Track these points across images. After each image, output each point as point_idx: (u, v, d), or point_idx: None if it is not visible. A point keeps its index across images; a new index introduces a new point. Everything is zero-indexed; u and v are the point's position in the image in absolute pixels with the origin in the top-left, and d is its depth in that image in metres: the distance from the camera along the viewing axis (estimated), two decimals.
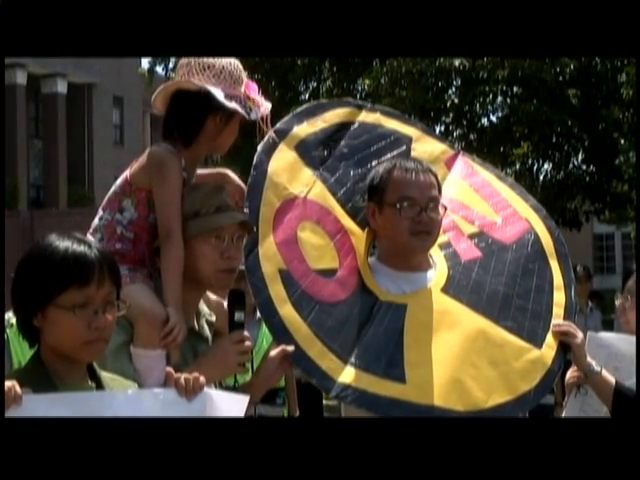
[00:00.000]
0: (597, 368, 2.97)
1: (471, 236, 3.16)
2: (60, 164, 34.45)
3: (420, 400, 2.69)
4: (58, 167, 34.40)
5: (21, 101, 33.22)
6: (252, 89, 2.83)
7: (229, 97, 2.75)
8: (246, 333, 2.68)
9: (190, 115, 2.76)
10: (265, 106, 2.84)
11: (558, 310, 3.05)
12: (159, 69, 19.56)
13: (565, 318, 3.04)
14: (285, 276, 2.78)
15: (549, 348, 2.94)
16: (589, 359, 2.98)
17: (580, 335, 2.97)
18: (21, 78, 32.87)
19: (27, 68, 32.75)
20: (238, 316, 2.70)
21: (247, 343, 2.66)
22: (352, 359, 2.72)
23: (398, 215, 2.90)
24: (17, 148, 32.45)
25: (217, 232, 2.68)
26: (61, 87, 34.57)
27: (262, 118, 2.85)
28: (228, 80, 2.77)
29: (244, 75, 2.83)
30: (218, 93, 2.73)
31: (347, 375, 2.68)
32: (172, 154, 2.73)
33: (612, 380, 2.98)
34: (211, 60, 2.77)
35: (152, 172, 2.70)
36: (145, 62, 22.15)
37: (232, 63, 2.80)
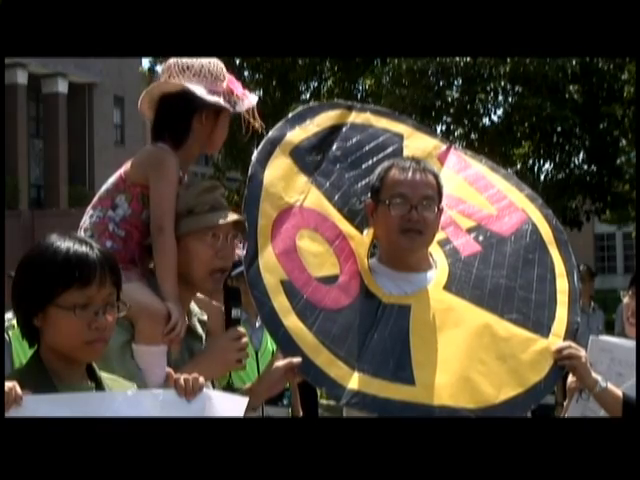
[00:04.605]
0: (603, 384, 2.89)
1: (469, 230, 3.15)
2: (61, 164, 34.44)
3: (430, 401, 2.68)
4: (59, 167, 34.39)
5: (22, 101, 33.22)
6: (235, 84, 2.83)
7: (211, 92, 2.77)
8: (242, 329, 2.69)
9: (176, 117, 2.77)
10: (250, 99, 2.84)
11: (562, 297, 3.04)
12: (160, 69, 19.58)
13: (570, 304, 3.03)
14: (287, 286, 2.77)
15: (556, 337, 2.93)
16: (594, 375, 2.90)
17: (582, 353, 2.91)
18: (22, 78, 32.87)
19: (28, 68, 32.75)
20: (235, 313, 2.71)
21: (244, 340, 2.67)
22: (360, 365, 2.71)
23: (389, 212, 2.90)
24: (18, 148, 32.44)
25: (213, 230, 2.68)
26: (62, 87, 34.56)
27: (248, 111, 2.86)
28: (209, 78, 2.78)
29: (225, 72, 2.84)
30: (198, 89, 2.75)
31: (356, 381, 2.67)
32: (169, 152, 2.74)
33: (619, 393, 2.91)
34: (190, 60, 2.78)
35: (149, 168, 2.70)
36: (146, 62, 22.18)
37: (211, 62, 2.81)
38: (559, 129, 16.36)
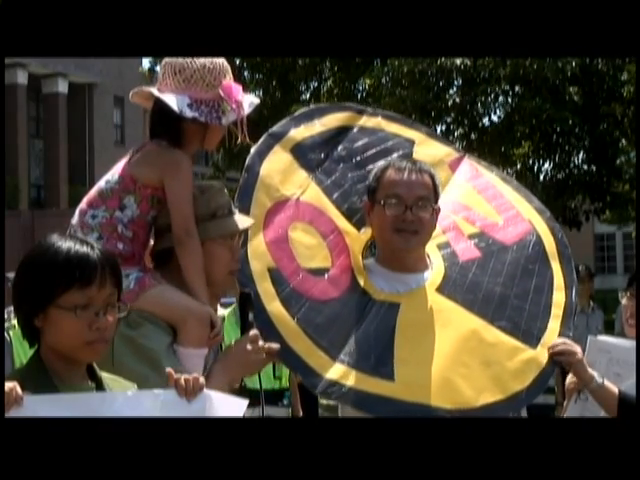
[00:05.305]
0: (600, 380, 2.90)
1: (471, 236, 3.15)
2: (61, 164, 34.44)
3: (408, 398, 2.69)
4: (59, 167, 34.39)
5: (22, 101, 33.21)
6: (233, 89, 2.73)
7: (198, 102, 2.69)
8: (257, 332, 2.69)
9: (166, 121, 2.72)
10: (242, 110, 2.73)
11: (557, 310, 3.03)
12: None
13: (564, 318, 3.02)
14: (274, 274, 2.79)
15: (544, 348, 2.92)
16: (590, 371, 2.92)
17: (578, 349, 2.92)
18: (22, 78, 32.86)
19: (28, 68, 32.75)
20: (251, 317, 2.73)
21: (261, 342, 2.67)
22: (341, 356, 2.72)
23: (384, 212, 2.90)
24: (18, 148, 32.44)
25: (234, 234, 2.71)
26: (62, 87, 34.55)
27: (237, 123, 2.75)
28: (199, 84, 2.71)
29: (224, 75, 2.74)
30: (176, 101, 2.68)
31: (335, 372, 2.69)
32: (183, 154, 2.71)
33: (615, 390, 2.92)
34: (185, 62, 2.71)
35: (165, 170, 2.67)
36: (146, 62, 22.16)
37: (206, 66, 2.71)
38: (559, 129, 16.36)
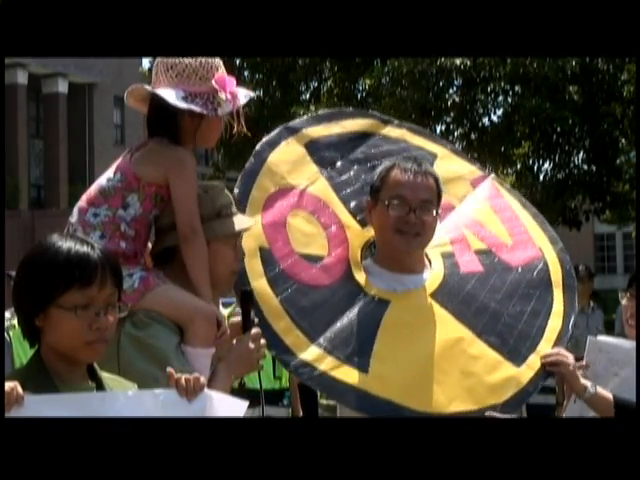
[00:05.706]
0: (592, 389, 2.90)
1: (478, 252, 3.15)
2: (61, 164, 34.45)
3: (378, 393, 2.69)
4: (59, 167, 34.40)
5: (22, 101, 33.22)
6: (226, 82, 2.73)
7: (192, 95, 2.70)
8: (259, 330, 2.69)
9: (163, 117, 2.72)
10: (238, 101, 2.73)
11: (550, 334, 3.01)
12: None
13: (555, 343, 2.99)
14: (265, 254, 2.82)
15: (529, 369, 2.91)
16: (583, 381, 2.92)
17: (571, 360, 2.92)
18: (22, 78, 32.87)
19: (28, 68, 32.76)
20: (252, 315, 2.73)
21: (262, 340, 2.67)
22: (320, 340, 2.74)
23: (387, 212, 2.90)
24: (18, 148, 32.45)
25: (240, 233, 2.72)
26: (62, 87, 34.56)
27: (234, 114, 2.76)
28: (192, 78, 2.71)
29: (216, 69, 2.74)
30: (172, 94, 2.68)
31: (310, 354, 2.71)
32: (188, 152, 2.71)
33: (610, 396, 2.91)
34: (177, 59, 2.71)
35: (170, 168, 2.66)
36: (146, 62, 22.15)
37: (198, 60, 2.72)
38: (559, 129, 16.35)
